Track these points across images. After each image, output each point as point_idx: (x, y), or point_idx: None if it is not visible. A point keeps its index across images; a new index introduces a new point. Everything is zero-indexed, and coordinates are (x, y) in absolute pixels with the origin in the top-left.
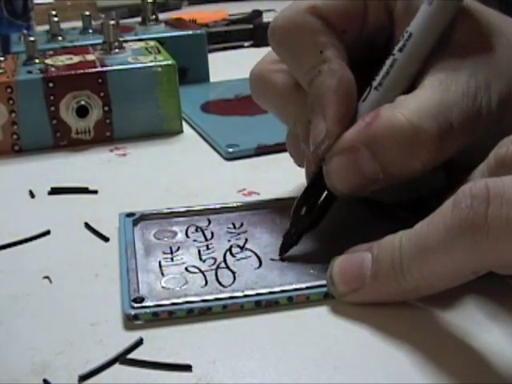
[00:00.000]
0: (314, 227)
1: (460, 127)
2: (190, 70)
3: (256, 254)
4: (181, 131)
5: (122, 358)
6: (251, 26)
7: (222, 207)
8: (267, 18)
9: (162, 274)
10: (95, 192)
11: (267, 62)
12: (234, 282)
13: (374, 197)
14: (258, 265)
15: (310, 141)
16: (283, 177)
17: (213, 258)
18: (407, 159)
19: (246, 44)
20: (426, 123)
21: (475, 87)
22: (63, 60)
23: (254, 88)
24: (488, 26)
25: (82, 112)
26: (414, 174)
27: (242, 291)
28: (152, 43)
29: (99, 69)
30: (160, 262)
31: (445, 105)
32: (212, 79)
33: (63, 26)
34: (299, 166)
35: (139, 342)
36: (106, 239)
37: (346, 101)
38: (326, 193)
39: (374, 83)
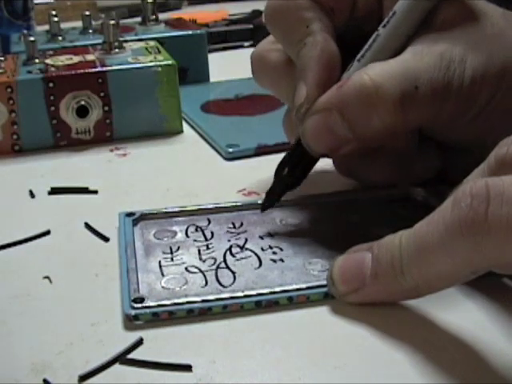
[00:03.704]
0: (294, 187)
1: (426, 94)
2: (190, 70)
3: (256, 254)
4: (181, 131)
5: (122, 358)
6: (251, 26)
7: (222, 207)
8: None
9: (162, 274)
10: (95, 192)
11: (267, 42)
12: (234, 282)
13: (368, 176)
14: (258, 265)
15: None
16: None
17: (213, 258)
18: (369, 117)
19: (246, 44)
20: (388, 83)
21: (449, 60)
22: (63, 60)
23: (253, 67)
24: (473, 10)
25: (82, 112)
26: (378, 135)
27: (242, 291)
28: (152, 43)
29: (99, 69)
30: (160, 261)
31: (412, 70)
32: (212, 79)
33: (63, 26)
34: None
35: (139, 342)
36: (106, 239)
37: (328, 69)
38: (306, 155)
39: (358, 56)
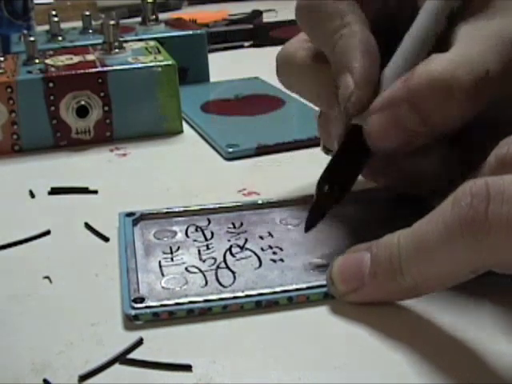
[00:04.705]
0: (338, 202)
1: (497, 75)
2: (190, 70)
3: (256, 254)
4: (181, 131)
5: (122, 358)
6: (251, 26)
7: (222, 207)
8: (267, 18)
9: (162, 274)
10: (95, 192)
11: (296, 40)
12: (234, 282)
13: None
14: (258, 265)
15: (339, 101)
16: (283, 177)
17: (213, 258)
18: (444, 107)
19: (246, 44)
20: (462, 69)
21: (509, 36)
22: (63, 60)
23: (278, 67)
24: None
25: (82, 112)
26: (455, 123)
27: (242, 291)
28: (152, 43)
29: (99, 69)
30: (160, 261)
31: (478, 55)
32: (212, 79)
33: (63, 26)
34: (326, 151)
35: (139, 342)
36: (106, 239)
37: (370, 56)
38: (351, 163)
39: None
